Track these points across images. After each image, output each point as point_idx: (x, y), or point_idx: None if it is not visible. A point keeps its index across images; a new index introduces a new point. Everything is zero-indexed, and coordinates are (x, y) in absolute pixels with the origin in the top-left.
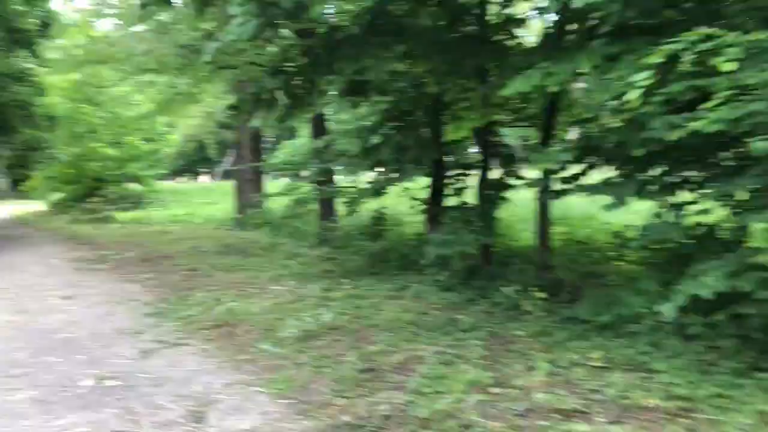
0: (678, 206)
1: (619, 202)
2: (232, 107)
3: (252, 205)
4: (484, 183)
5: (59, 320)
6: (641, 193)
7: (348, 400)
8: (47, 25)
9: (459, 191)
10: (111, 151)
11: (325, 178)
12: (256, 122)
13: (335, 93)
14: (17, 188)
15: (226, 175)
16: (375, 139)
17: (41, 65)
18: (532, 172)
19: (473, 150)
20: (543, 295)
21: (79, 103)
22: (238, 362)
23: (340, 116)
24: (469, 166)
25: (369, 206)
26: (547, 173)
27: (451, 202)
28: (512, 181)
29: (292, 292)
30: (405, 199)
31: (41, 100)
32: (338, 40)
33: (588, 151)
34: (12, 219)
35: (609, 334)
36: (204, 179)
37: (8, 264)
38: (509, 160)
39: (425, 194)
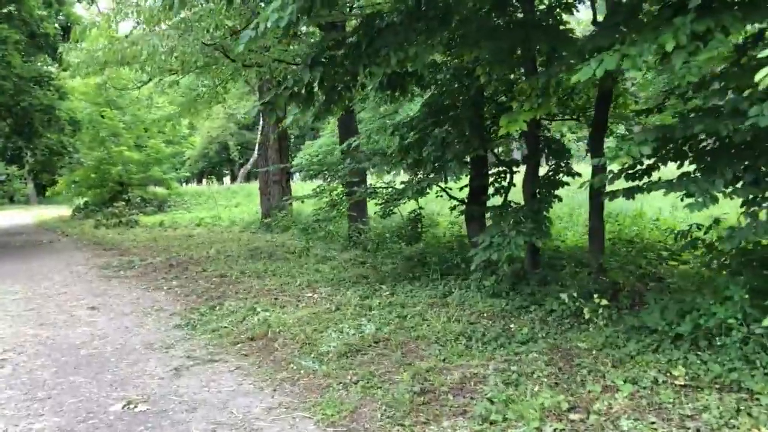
0: None
1: (705, 200)
2: (266, 104)
3: (278, 207)
4: (534, 180)
5: (85, 333)
6: (732, 188)
7: (405, 428)
8: (68, 28)
9: (503, 190)
10: (134, 155)
11: (357, 179)
12: (289, 119)
13: (373, 87)
14: (42, 193)
15: (249, 176)
16: (414, 136)
17: (63, 69)
18: (584, 168)
19: (513, 146)
20: (605, 301)
21: (101, 106)
22: (278, 381)
23: (372, 113)
24: (513, 163)
25: (404, 207)
26: (621, 170)
27: (493, 201)
28: (565, 178)
29: (328, 299)
30: (441, 200)
31: (64, 105)
32: (380, 28)
33: (666, 143)
34: (36, 224)
35: (685, 347)
36: (226, 181)
37: (32, 271)
38: (560, 155)
39: (464, 194)
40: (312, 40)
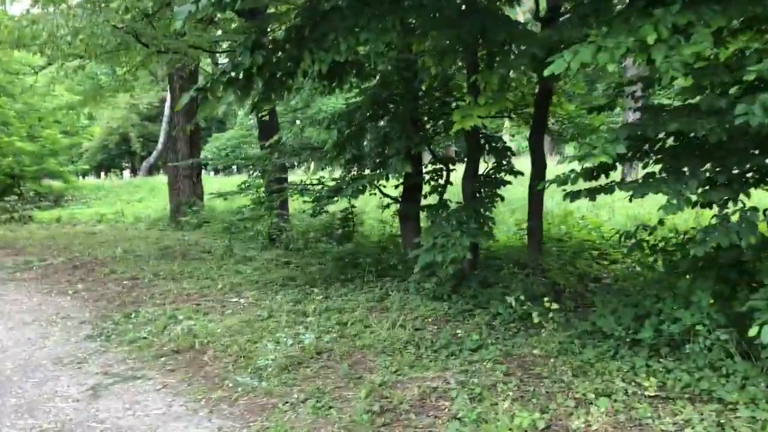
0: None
1: (679, 201)
2: (200, 90)
3: (189, 203)
4: (474, 179)
5: None
6: (707, 189)
7: None
8: None
9: (439, 188)
10: (27, 146)
11: (281, 175)
12: (222, 108)
13: (310, 75)
14: None
15: (152, 170)
16: (351, 130)
17: None
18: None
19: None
20: (555, 305)
21: None
22: (214, 402)
23: (284, 105)
24: (449, 161)
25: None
26: (599, 168)
27: (428, 200)
28: (507, 177)
29: (256, 305)
30: (369, 197)
31: None
32: (324, 11)
33: (637, 141)
34: None
35: (645, 353)
36: (126, 175)
37: None
38: (500, 153)
39: (397, 192)
40: (232, 26)
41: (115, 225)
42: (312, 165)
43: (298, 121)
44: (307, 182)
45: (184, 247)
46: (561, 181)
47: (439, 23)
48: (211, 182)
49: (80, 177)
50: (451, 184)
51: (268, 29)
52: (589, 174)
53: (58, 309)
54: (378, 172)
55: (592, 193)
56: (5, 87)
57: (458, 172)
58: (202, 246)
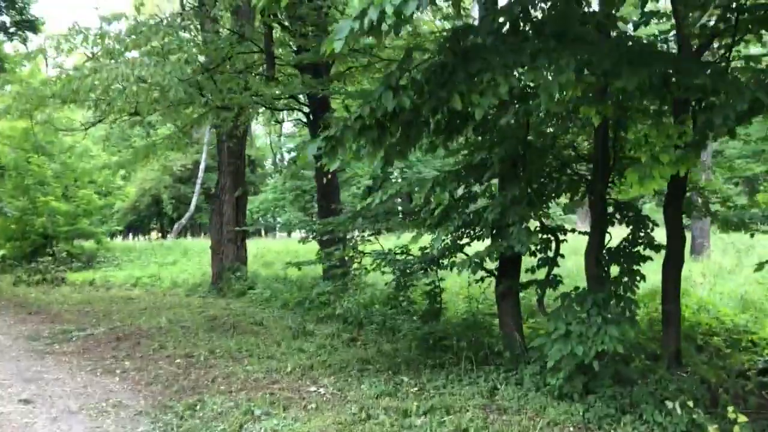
0: None
1: None
2: (329, 139)
3: (232, 268)
4: (600, 252)
5: None
6: None
7: None
8: None
9: (547, 261)
10: (62, 206)
11: (338, 239)
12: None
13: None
14: None
15: (183, 232)
16: (461, 191)
17: None
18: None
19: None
20: (743, 417)
21: (28, 152)
22: None
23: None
24: (559, 229)
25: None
26: None
27: (530, 274)
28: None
29: (341, 397)
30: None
31: None
32: (475, 45)
33: None
34: None
35: None
36: (153, 236)
37: None
38: (637, 223)
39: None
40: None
41: (151, 290)
42: (402, 231)
43: (394, 180)
44: (393, 251)
45: (232, 318)
46: None
47: (623, 61)
48: (255, 245)
49: (111, 238)
50: (562, 256)
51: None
52: None
53: (106, 393)
54: (498, 243)
55: None
56: (44, 146)
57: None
58: (252, 317)
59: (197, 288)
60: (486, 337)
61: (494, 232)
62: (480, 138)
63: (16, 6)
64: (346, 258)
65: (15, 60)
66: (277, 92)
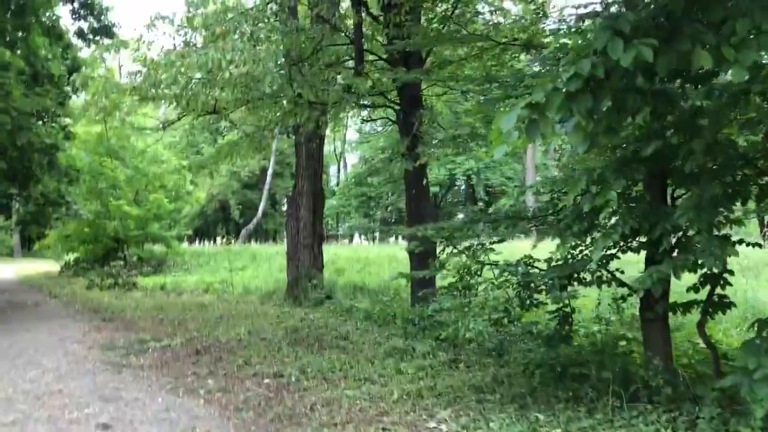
0: None
1: None
2: (530, 106)
3: (308, 276)
4: None
5: None
6: None
7: None
8: (74, 71)
9: (714, 278)
10: (133, 210)
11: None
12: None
13: None
14: (28, 246)
15: (250, 238)
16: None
17: (66, 114)
18: None
19: None
20: None
21: (101, 156)
22: None
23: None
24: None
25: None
26: None
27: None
28: None
29: None
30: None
31: (65, 146)
32: None
33: None
34: (20, 280)
35: None
36: (218, 242)
37: (15, 350)
38: None
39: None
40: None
41: (223, 296)
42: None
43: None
44: (523, 261)
45: (314, 330)
46: None
47: None
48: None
49: (180, 242)
50: (732, 273)
51: None
52: None
53: (192, 419)
54: (684, 259)
55: None
56: (117, 151)
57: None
58: (335, 329)
59: (271, 295)
60: (632, 368)
61: (679, 241)
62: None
63: (95, 13)
64: (463, 270)
65: (93, 57)
66: (369, 85)
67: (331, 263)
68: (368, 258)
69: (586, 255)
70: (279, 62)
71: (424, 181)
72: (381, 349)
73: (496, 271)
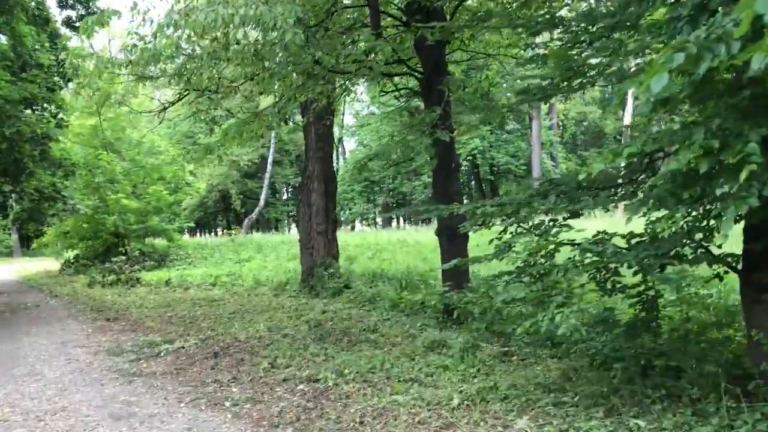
0: None
1: None
2: None
3: (324, 264)
4: None
5: None
6: None
7: None
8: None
9: None
10: (132, 203)
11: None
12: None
13: None
14: (26, 245)
15: (253, 227)
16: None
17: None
18: None
19: None
20: None
21: (97, 150)
22: None
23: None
24: None
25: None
26: None
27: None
28: None
29: None
30: None
31: (57, 135)
32: None
33: None
34: (19, 280)
35: None
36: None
37: (14, 357)
38: None
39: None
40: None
41: (233, 289)
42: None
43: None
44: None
45: (338, 323)
46: None
47: None
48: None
49: (182, 235)
50: None
51: None
52: None
53: None
54: None
55: None
56: (113, 143)
57: None
58: (361, 321)
59: (284, 286)
60: (738, 359)
61: None
62: None
63: (82, 0)
64: (535, 252)
65: (84, 27)
66: (390, 49)
67: (341, 251)
68: (378, 244)
69: (682, 227)
70: (295, 21)
71: (454, 156)
72: (418, 343)
73: (576, 253)
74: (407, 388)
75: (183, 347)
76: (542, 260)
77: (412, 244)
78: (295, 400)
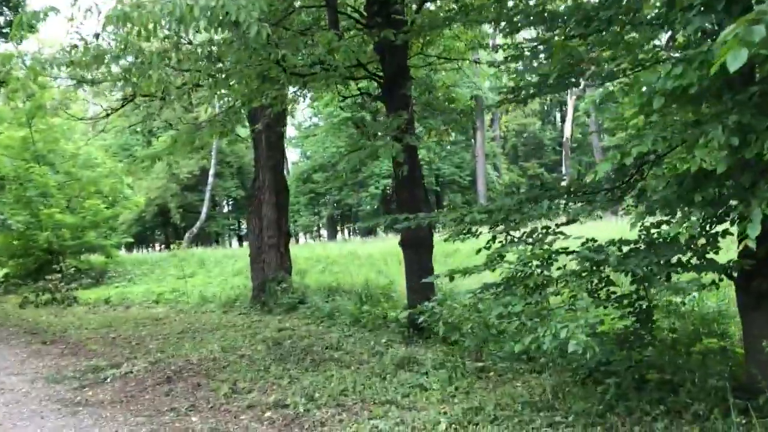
0: None
1: None
2: None
3: (276, 279)
4: None
5: None
6: None
7: None
8: None
9: None
10: (67, 218)
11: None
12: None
13: None
14: None
15: (195, 241)
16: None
17: None
18: None
19: None
20: None
21: (28, 162)
22: None
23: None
24: None
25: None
26: None
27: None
28: None
29: None
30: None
31: None
32: None
33: None
34: None
35: None
36: (170, 247)
37: None
38: None
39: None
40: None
41: (177, 307)
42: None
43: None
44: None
45: (298, 342)
46: None
47: None
48: (299, 252)
49: (121, 250)
50: None
51: None
52: None
53: None
54: None
55: None
56: (45, 155)
57: None
58: (321, 338)
59: (233, 303)
60: (736, 370)
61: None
62: None
63: (10, 5)
64: (529, 261)
65: (16, 31)
66: (351, 51)
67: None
68: (329, 256)
69: (681, 232)
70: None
71: (418, 164)
72: (386, 360)
73: (574, 261)
74: (385, 412)
75: (131, 372)
76: (537, 270)
77: (363, 257)
78: (263, 430)
